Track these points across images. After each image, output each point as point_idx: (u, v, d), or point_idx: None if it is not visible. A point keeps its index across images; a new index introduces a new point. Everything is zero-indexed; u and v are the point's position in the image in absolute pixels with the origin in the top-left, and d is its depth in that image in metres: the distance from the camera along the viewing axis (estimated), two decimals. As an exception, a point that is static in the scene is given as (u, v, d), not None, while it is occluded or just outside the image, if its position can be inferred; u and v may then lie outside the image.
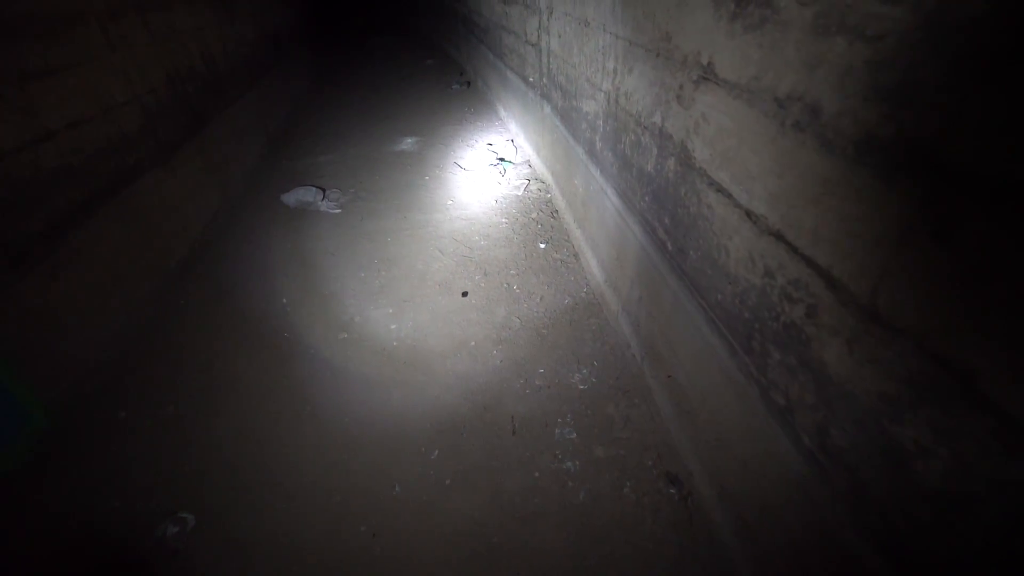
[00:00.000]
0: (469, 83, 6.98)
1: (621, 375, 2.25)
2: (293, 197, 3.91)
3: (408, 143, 5.05)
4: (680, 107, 1.53)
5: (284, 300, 2.84)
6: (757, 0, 1.08)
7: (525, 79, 4.22)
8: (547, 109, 3.63)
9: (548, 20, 3.25)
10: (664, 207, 1.74)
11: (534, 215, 3.58)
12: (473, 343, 2.47)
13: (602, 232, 2.60)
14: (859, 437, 0.93)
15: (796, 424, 1.12)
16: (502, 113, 5.49)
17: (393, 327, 2.60)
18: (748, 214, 1.21)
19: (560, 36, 3.02)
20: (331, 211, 3.80)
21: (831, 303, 0.96)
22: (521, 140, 4.68)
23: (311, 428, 2.08)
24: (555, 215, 3.55)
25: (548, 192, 3.84)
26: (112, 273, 2.52)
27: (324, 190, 4.02)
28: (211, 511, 1.81)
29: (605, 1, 2.13)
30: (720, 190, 1.33)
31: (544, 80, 3.61)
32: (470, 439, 2.01)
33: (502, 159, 4.41)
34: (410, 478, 1.88)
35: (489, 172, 4.23)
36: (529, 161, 4.37)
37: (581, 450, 1.96)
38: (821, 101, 0.92)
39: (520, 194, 3.88)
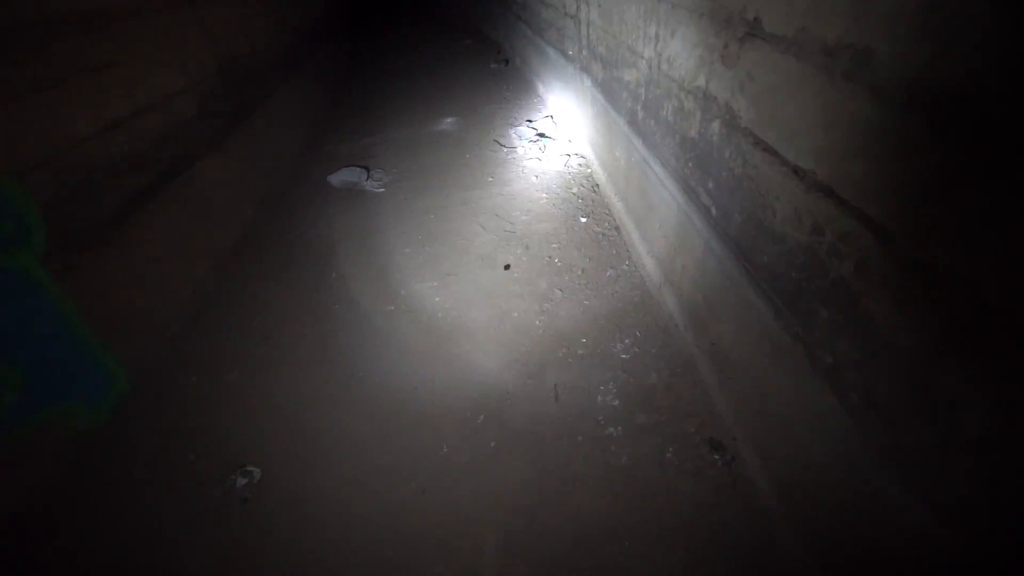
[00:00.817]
0: (507, 61, 6.94)
1: (663, 344, 2.26)
2: (339, 178, 4.04)
3: (448, 123, 5.10)
4: (725, 67, 1.51)
5: (334, 275, 2.97)
6: (806, -52, 1.06)
7: (564, 53, 4.18)
8: (587, 82, 3.59)
9: (588, -10, 3.20)
10: (708, 172, 1.72)
11: (575, 190, 3.57)
12: (516, 314, 2.52)
13: (644, 203, 2.58)
14: (903, 390, 0.93)
15: (843, 381, 1.12)
16: (541, 89, 5.46)
17: (437, 299, 2.68)
18: (795, 171, 1.19)
19: (600, 5, 2.97)
20: (376, 190, 3.91)
21: (880, 255, 0.95)
22: (560, 116, 4.65)
23: (362, 393, 2.19)
24: (596, 189, 3.54)
25: (588, 166, 3.82)
26: (176, 251, 2.70)
27: (368, 170, 4.13)
28: (274, 466, 1.95)
29: (647, -36, 2.10)
30: (766, 149, 1.31)
31: (584, 52, 3.56)
32: (514, 405, 2.08)
33: (542, 135, 4.40)
34: (456, 440, 1.96)
35: (529, 149, 4.24)
36: (569, 136, 4.34)
37: (623, 417, 1.99)
38: (872, 47, 0.90)
39: (560, 169, 3.87)
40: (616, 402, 2.04)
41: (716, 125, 1.60)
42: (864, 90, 0.93)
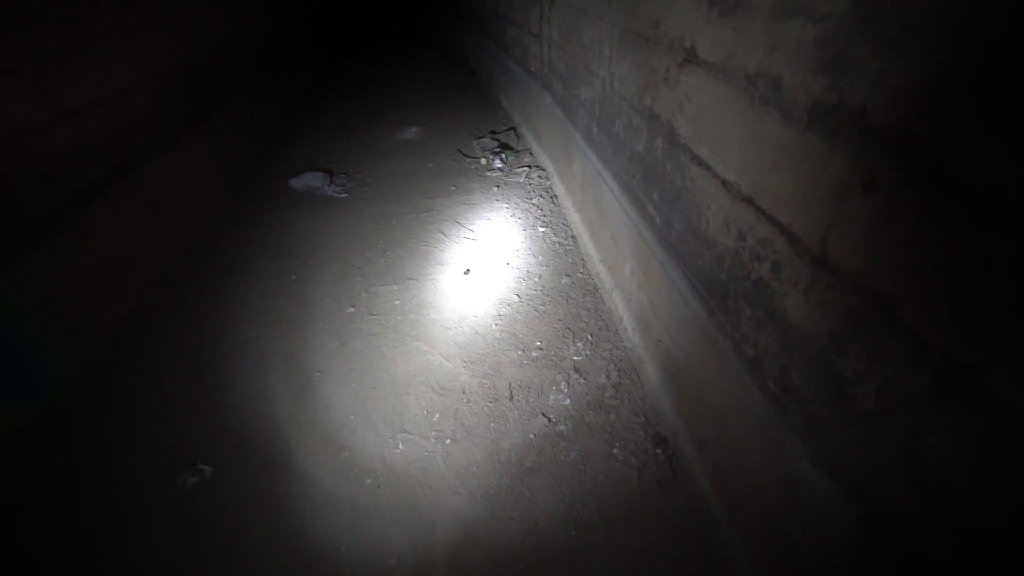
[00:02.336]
0: (472, 74, 7.08)
1: (613, 347, 2.38)
2: (301, 182, 4.03)
3: (412, 132, 5.17)
4: (667, 89, 1.65)
5: (293, 277, 2.97)
6: (731, -13, 1.21)
7: (527, 69, 4.33)
8: (548, 98, 3.74)
9: (549, 10, 3.36)
10: (653, 184, 1.86)
11: (535, 200, 3.70)
12: (474, 317, 2.60)
13: (598, 213, 2.72)
14: (811, 375, 1.06)
15: (763, 371, 1.25)
16: (504, 103, 5.60)
17: (397, 302, 2.73)
18: (724, 183, 1.33)
19: (560, 26, 3.13)
20: (337, 195, 3.92)
21: (791, 256, 1.09)
22: (523, 129, 4.79)
23: (319, 391, 2.21)
24: (555, 200, 3.68)
25: (548, 179, 3.96)
26: (127, 249, 2.66)
27: (331, 175, 4.14)
28: (228, 464, 1.94)
29: (602, -9, 2.25)
30: (701, 163, 1.45)
31: (546, 70, 3.72)
32: (470, 403, 2.14)
33: (505, 146, 4.52)
34: (413, 437, 2.01)
35: (491, 160, 4.35)
36: (530, 149, 4.49)
37: (573, 415, 2.09)
38: (781, 76, 1.04)
39: (521, 180, 4.00)
40: (567, 401, 2.14)
41: (660, 141, 1.75)
42: (776, 112, 1.07)
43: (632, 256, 2.19)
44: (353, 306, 2.72)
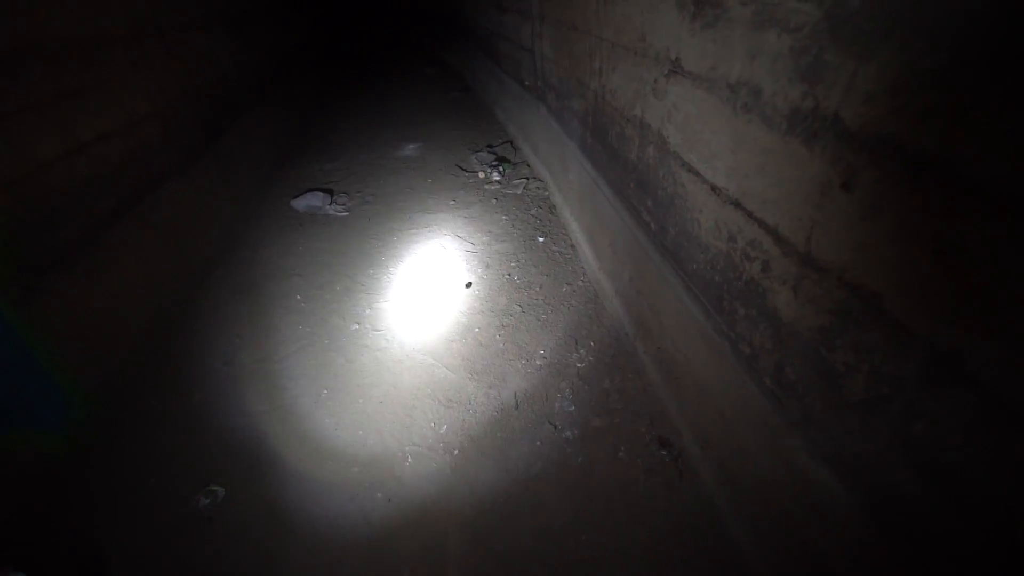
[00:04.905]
0: (468, 89, 7.19)
1: (616, 353, 2.41)
2: (303, 202, 4.10)
3: (411, 149, 5.25)
4: (656, 99, 1.70)
5: (298, 297, 3.02)
6: (711, 1, 1.26)
7: (521, 83, 4.41)
8: (543, 110, 3.81)
9: (541, 26, 3.44)
10: (647, 191, 1.90)
11: (533, 211, 3.75)
12: (477, 329, 2.63)
13: (596, 222, 2.77)
14: (804, 369, 1.09)
15: (759, 368, 1.28)
16: (500, 117, 5.69)
17: (402, 317, 2.77)
18: (713, 188, 1.37)
19: (552, 40, 3.20)
20: (339, 214, 3.99)
21: (779, 256, 1.12)
22: (519, 142, 4.86)
23: (328, 408, 2.25)
24: (553, 210, 3.73)
25: (546, 189, 4.01)
26: (141, 275, 2.71)
27: (332, 195, 4.21)
28: (240, 484, 1.97)
29: (590, 6, 2.31)
30: (691, 170, 1.50)
31: (539, 83, 3.79)
32: (476, 414, 2.17)
33: (502, 159, 4.59)
34: (422, 450, 2.04)
35: (489, 173, 4.41)
36: (527, 160, 4.55)
37: (579, 420, 2.12)
38: (761, 84, 1.09)
39: (519, 192, 4.05)
40: (572, 407, 2.17)
41: (651, 150, 1.79)
42: (758, 119, 1.11)
43: (630, 262, 2.23)
44: (358, 323, 2.76)
